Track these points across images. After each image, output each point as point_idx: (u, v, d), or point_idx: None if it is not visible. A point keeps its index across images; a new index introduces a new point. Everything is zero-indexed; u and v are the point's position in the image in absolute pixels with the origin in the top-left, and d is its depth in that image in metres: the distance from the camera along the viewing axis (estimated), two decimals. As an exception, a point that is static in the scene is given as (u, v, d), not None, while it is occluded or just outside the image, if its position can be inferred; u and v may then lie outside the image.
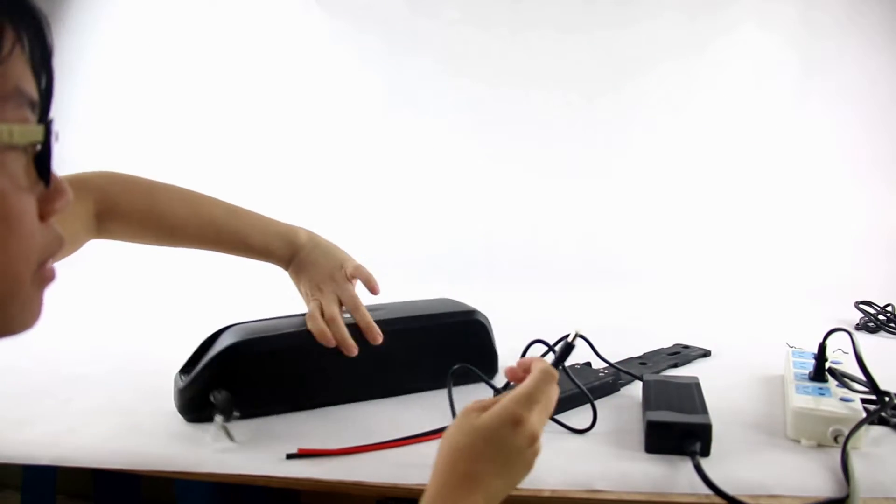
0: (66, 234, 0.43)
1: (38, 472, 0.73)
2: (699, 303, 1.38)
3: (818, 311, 1.24)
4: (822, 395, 0.72)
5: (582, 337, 0.59)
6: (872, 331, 1.18)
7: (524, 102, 1.72)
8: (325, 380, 0.79)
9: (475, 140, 1.74)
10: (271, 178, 1.74)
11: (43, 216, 0.40)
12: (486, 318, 0.88)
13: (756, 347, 1.04)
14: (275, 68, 1.81)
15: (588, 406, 0.75)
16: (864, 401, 0.72)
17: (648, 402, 0.73)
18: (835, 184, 1.61)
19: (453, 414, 0.74)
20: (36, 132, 0.38)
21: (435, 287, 1.01)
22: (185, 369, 0.78)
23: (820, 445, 0.68)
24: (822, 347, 0.79)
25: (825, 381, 0.77)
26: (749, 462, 0.65)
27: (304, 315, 0.80)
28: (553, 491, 0.61)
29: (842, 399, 0.71)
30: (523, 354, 0.89)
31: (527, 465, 0.52)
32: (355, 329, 0.78)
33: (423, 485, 0.51)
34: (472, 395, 0.64)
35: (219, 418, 0.70)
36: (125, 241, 0.80)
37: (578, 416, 0.74)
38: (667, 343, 1.03)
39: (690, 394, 0.74)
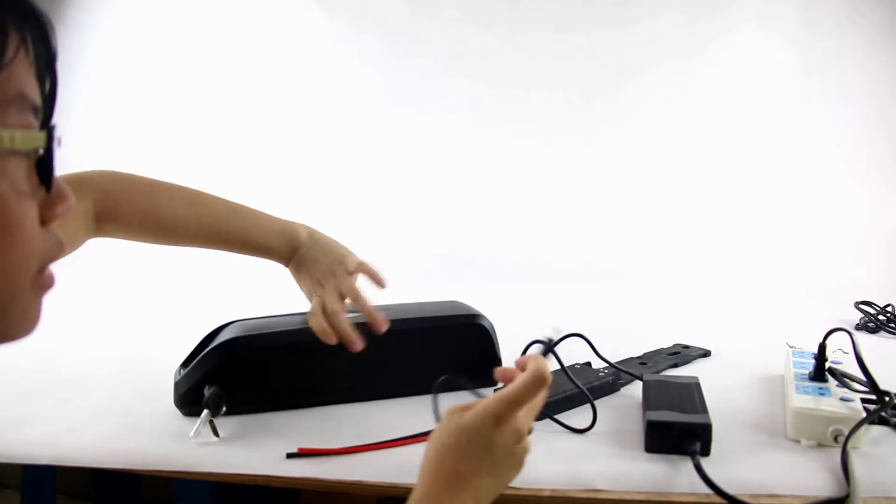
0: (66, 234, 0.43)
1: (38, 471, 0.73)
2: (699, 303, 1.38)
3: (818, 311, 1.24)
4: (822, 395, 0.72)
5: (560, 337, 0.57)
6: (872, 331, 1.18)
7: (524, 102, 1.72)
8: (325, 379, 0.79)
9: (475, 140, 1.74)
10: (271, 178, 1.74)
11: (44, 221, 0.39)
12: (490, 323, 0.87)
13: (756, 347, 1.04)
14: (275, 68, 1.81)
15: (588, 406, 0.75)
16: (864, 401, 0.72)
17: (648, 402, 0.73)
18: (835, 184, 1.61)
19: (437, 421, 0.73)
20: (38, 138, 0.37)
21: (435, 287, 1.01)
22: (186, 363, 0.79)
23: (820, 445, 0.68)
24: (822, 347, 0.79)
25: (825, 381, 0.77)
26: (749, 462, 0.65)
27: (306, 313, 0.80)
28: (553, 491, 0.61)
29: (842, 399, 0.71)
30: (522, 354, 0.89)
31: (516, 464, 0.52)
32: (359, 327, 0.77)
33: (424, 485, 0.51)
34: (469, 400, 0.63)
35: (205, 412, 0.70)
36: (125, 240, 0.80)
37: (578, 416, 0.74)
38: (667, 343, 1.03)
39: (690, 394, 0.74)
